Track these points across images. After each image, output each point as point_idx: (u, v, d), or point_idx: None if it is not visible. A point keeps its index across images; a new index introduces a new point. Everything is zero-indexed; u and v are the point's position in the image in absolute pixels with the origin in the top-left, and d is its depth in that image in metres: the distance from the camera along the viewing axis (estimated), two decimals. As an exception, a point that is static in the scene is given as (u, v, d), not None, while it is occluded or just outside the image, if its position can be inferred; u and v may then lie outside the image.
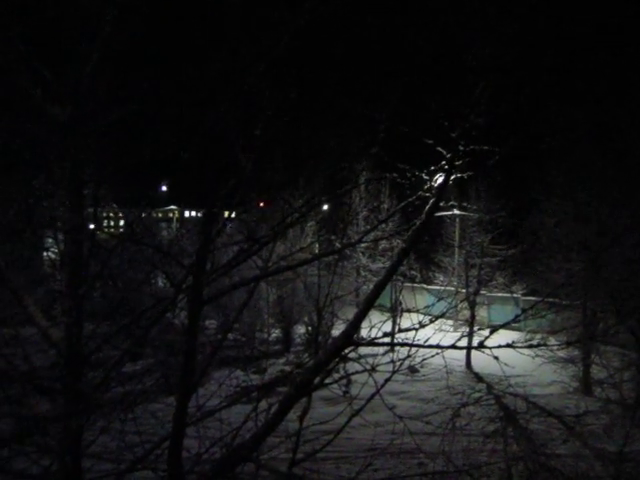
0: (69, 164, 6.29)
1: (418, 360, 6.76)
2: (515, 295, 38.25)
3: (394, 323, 7.59)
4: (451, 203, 7.08)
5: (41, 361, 7.11)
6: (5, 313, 7.19)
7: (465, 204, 30.71)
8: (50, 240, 11.12)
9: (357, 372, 6.67)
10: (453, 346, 6.54)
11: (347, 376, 6.74)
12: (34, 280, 9.20)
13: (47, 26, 6.14)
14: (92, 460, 7.09)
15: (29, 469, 6.52)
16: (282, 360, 31.99)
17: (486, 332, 6.95)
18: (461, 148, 6.19)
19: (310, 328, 35.13)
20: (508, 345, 6.32)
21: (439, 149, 6.24)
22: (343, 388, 6.92)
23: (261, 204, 8.64)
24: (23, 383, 6.53)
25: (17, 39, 5.99)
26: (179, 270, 6.55)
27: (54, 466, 6.51)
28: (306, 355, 30.28)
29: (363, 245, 35.62)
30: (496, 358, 6.42)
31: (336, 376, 6.73)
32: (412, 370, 27.05)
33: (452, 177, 6.35)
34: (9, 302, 6.98)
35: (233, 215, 6.93)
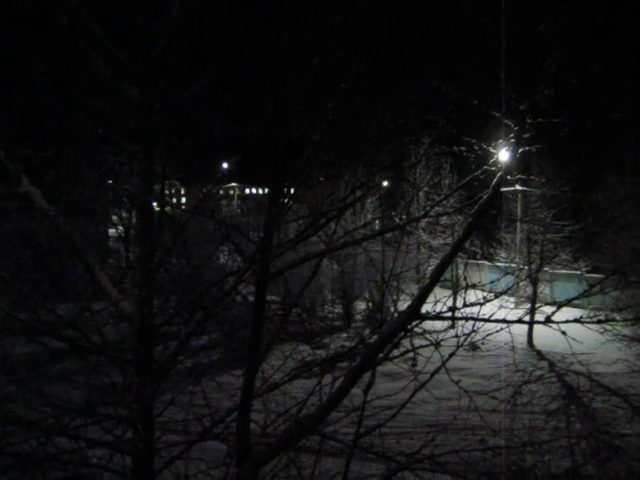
0: (141, 141, 6.42)
1: (481, 336, 6.73)
2: (579, 272, 37.55)
3: (455, 298, 7.57)
4: (519, 176, 6.98)
5: (112, 333, 7.32)
6: (79, 287, 7.41)
7: (531, 176, 30.07)
8: (115, 217, 11.41)
9: (422, 346, 6.67)
10: (519, 320, 6.49)
11: (413, 349, 6.75)
12: (102, 255, 9.43)
13: (119, 5, 6.25)
14: (161, 430, 7.27)
15: (103, 438, 6.74)
16: (343, 335, 32.06)
17: (548, 308, 6.88)
18: (529, 121, 6.10)
19: (371, 304, 35.16)
20: (576, 320, 6.23)
21: (507, 122, 6.15)
22: (410, 361, 6.94)
23: (321, 179, 8.66)
24: (97, 354, 6.74)
25: (92, 19, 6.12)
26: (244, 245, 6.65)
27: (127, 435, 6.71)
28: (367, 331, 30.42)
29: (424, 221, 35.43)
30: (564, 333, 6.35)
31: (402, 349, 6.74)
32: (473, 347, 26.93)
33: (520, 151, 6.26)
34: (82, 276, 7.19)
35: (298, 191, 6.97)
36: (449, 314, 6.52)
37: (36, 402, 6.60)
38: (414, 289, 30.38)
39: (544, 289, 35.86)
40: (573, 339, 6.45)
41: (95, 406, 6.70)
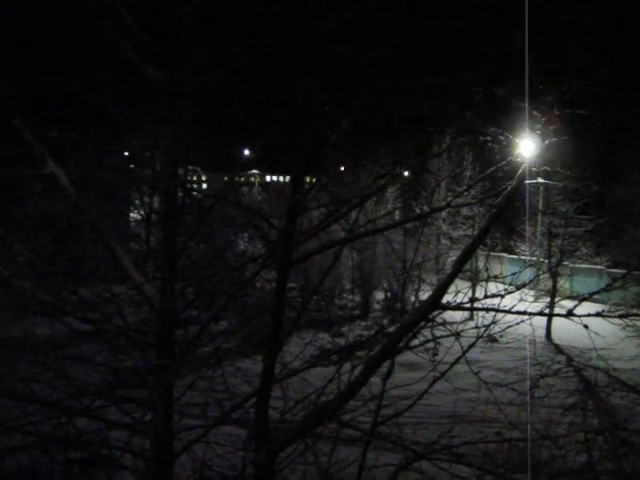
0: (165, 126, 6.43)
1: (500, 328, 6.72)
2: (599, 267, 37.30)
3: (474, 290, 7.54)
4: (543, 168, 6.92)
5: (133, 316, 7.36)
6: (101, 269, 7.46)
7: (558, 168, 29.78)
8: (137, 202, 11.46)
9: (442, 337, 6.67)
10: (541, 313, 6.46)
11: (434, 339, 6.74)
12: (123, 239, 9.48)
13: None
14: (180, 414, 7.32)
15: (123, 419, 6.80)
16: (362, 324, 32.02)
17: (568, 302, 6.84)
18: (556, 112, 6.04)
19: (389, 294, 35.14)
20: (598, 314, 6.18)
21: (534, 113, 6.09)
22: (431, 351, 6.93)
23: (342, 168, 8.63)
24: (118, 337, 6.79)
25: (119, 3, 6.14)
26: (265, 232, 6.67)
27: (147, 417, 6.77)
28: (385, 320, 30.34)
29: (445, 212, 35.25)
30: (586, 327, 6.30)
31: (421, 339, 6.74)
32: (491, 340, 26.81)
33: (545, 142, 6.21)
34: (104, 258, 7.23)
35: (319, 180, 6.97)
36: (469, 305, 6.51)
37: (57, 383, 6.67)
38: (433, 279, 30.17)
39: (564, 283, 35.66)
40: (595, 333, 6.40)
41: (115, 388, 6.76)
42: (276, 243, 6.06)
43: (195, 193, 7.41)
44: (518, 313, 6.27)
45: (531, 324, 6.46)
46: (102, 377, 7.15)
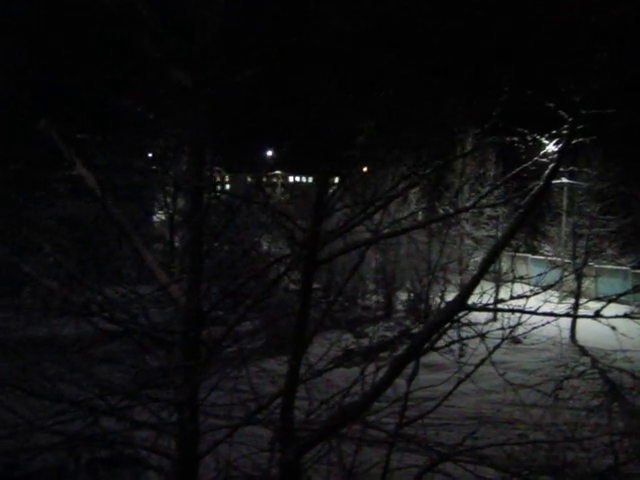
0: (191, 127, 6.46)
1: (526, 329, 6.67)
2: (624, 267, 36.98)
3: (497, 291, 7.50)
4: (571, 168, 6.86)
5: (158, 317, 7.41)
6: (127, 270, 7.52)
7: (584, 168, 29.50)
8: (162, 202, 11.50)
9: (468, 337, 6.64)
10: (567, 314, 6.41)
11: (460, 340, 6.71)
12: (148, 239, 9.53)
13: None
14: (204, 414, 7.35)
15: (149, 419, 6.84)
16: (386, 325, 31.97)
17: (593, 303, 6.77)
18: (583, 112, 5.97)
19: (412, 295, 35.09)
20: (625, 315, 6.12)
21: (561, 112, 6.04)
22: (458, 352, 6.90)
23: (365, 169, 8.61)
24: (144, 337, 6.83)
25: (143, 5, 6.17)
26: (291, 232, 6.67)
27: (173, 417, 6.80)
28: (408, 321, 30.28)
29: (469, 212, 35.02)
30: (613, 328, 6.25)
31: (447, 340, 6.71)
32: (515, 341, 26.68)
33: (573, 142, 6.15)
34: (130, 259, 7.29)
35: (343, 181, 6.96)
36: (498, 305, 6.47)
37: (84, 383, 6.73)
38: (457, 280, 29.91)
39: (589, 284, 35.39)
40: (623, 334, 6.35)
41: (142, 388, 6.80)
42: (302, 244, 6.06)
43: (220, 194, 7.42)
44: (544, 314, 6.22)
45: (557, 325, 6.41)
46: (128, 377, 7.20)
